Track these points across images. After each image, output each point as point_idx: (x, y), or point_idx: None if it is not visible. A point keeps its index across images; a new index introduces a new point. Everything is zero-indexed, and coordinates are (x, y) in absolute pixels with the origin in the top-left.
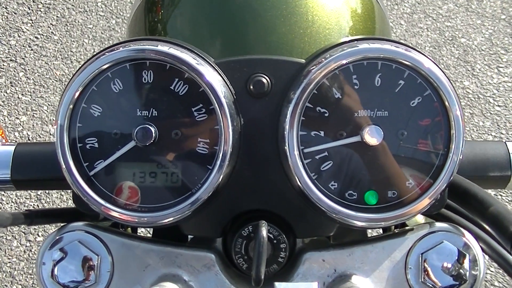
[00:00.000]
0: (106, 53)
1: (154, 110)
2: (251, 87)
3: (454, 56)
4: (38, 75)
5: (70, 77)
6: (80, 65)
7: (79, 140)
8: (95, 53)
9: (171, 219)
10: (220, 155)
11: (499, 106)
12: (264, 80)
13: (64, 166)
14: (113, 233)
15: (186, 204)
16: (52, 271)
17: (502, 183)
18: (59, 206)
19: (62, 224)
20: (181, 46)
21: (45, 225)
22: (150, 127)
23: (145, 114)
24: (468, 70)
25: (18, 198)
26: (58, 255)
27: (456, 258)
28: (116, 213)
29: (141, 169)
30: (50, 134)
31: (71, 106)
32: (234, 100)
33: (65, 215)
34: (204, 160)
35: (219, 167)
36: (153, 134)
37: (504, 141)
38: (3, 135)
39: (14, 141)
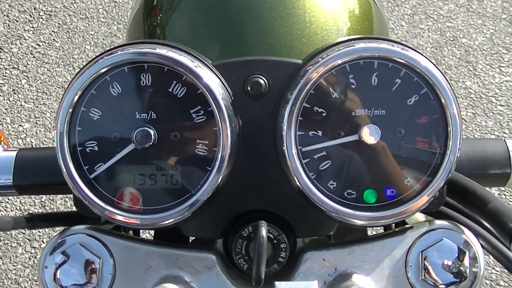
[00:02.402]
0: (104, 57)
1: (152, 112)
2: (249, 88)
3: (456, 57)
4: (41, 82)
5: (69, 81)
6: (79, 69)
7: (79, 143)
8: (93, 57)
9: (171, 220)
10: (219, 156)
11: (501, 105)
12: (262, 81)
13: (64, 170)
14: (115, 235)
15: (186, 205)
16: (55, 274)
17: (502, 180)
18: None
19: (63, 228)
20: (179, 49)
21: (50, 232)
22: (149, 129)
23: (144, 117)
24: (470, 70)
25: (22, 205)
26: (60, 259)
27: (456, 255)
28: (116, 215)
29: (141, 172)
30: (53, 140)
31: (70, 110)
32: (232, 102)
33: (67, 219)
34: (203, 161)
35: (218, 168)
36: (152, 137)
37: (503, 138)
38: (5, 141)
39: (16, 148)
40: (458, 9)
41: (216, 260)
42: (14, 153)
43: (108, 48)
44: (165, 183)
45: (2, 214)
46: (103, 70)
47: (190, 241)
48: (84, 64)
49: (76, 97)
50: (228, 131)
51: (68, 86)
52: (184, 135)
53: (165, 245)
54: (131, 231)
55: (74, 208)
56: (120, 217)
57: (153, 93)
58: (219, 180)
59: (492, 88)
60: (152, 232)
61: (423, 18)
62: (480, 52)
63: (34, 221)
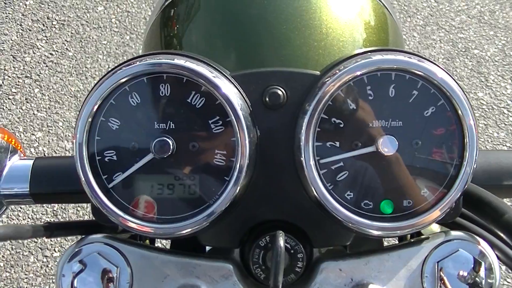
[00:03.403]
0: (123, 68)
1: (171, 123)
2: (267, 99)
3: (468, 68)
4: (53, 91)
5: (89, 91)
6: (98, 79)
7: (97, 153)
8: (112, 67)
9: (189, 230)
10: (237, 166)
11: None
12: (280, 92)
13: (83, 179)
14: (132, 244)
15: (203, 215)
16: (72, 283)
17: None
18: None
19: (81, 237)
20: (197, 59)
21: (62, 241)
22: (167, 139)
23: (162, 127)
24: (482, 81)
25: (34, 214)
26: (77, 267)
27: (472, 266)
28: (135, 224)
29: (159, 181)
30: (66, 150)
31: (89, 119)
32: (250, 112)
33: (84, 228)
34: (221, 172)
35: (236, 179)
36: (171, 147)
37: None
38: (21, 149)
39: (33, 156)
40: (470, 20)
41: (233, 269)
42: (31, 162)
43: (125, 59)
44: (183, 193)
45: (18, 223)
46: (122, 81)
47: (207, 250)
48: (101, 75)
49: (96, 107)
50: (247, 142)
51: (87, 96)
52: (202, 145)
53: (182, 254)
54: (147, 241)
55: (87, 218)
56: (139, 226)
57: (171, 104)
58: (237, 191)
59: (504, 99)
60: (167, 242)
61: (435, 29)
62: (492, 63)
63: (52, 229)
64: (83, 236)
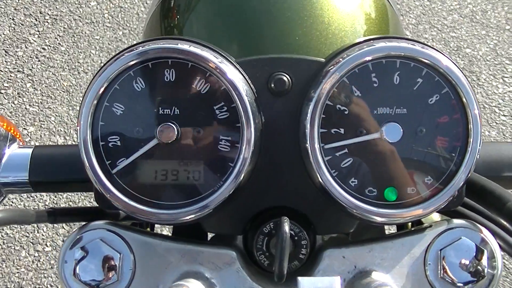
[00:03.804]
0: (126, 53)
1: (176, 108)
2: (272, 85)
3: (460, 67)
4: (46, 86)
5: (93, 76)
6: (103, 65)
7: (101, 138)
8: (116, 53)
9: (193, 216)
10: (242, 153)
11: (504, 115)
12: (285, 79)
13: (87, 164)
14: (135, 231)
15: (207, 201)
16: (74, 269)
17: None
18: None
19: (83, 223)
20: (202, 44)
21: (53, 236)
22: (172, 125)
23: (167, 112)
24: (474, 80)
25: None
26: (79, 254)
27: (474, 254)
28: (138, 210)
29: (163, 167)
30: (58, 144)
31: (95, 102)
32: (256, 98)
33: (87, 214)
34: (225, 158)
35: (240, 165)
36: (175, 132)
37: None
38: (20, 138)
39: (32, 145)
40: (462, 19)
41: (236, 256)
42: (30, 150)
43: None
44: (187, 179)
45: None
46: (129, 64)
47: (210, 237)
48: (94, 70)
49: (101, 89)
50: (252, 128)
51: (92, 81)
52: (207, 131)
53: (185, 241)
54: (148, 228)
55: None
56: (142, 212)
57: (176, 89)
58: (242, 177)
59: (495, 98)
60: (169, 229)
61: (427, 28)
62: (484, 63)
63: (56, 215)
64: (86, 222)
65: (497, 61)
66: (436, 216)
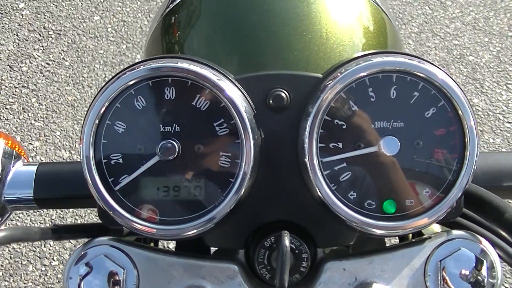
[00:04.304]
0: (128, 72)
1: (176, 125)
2: (271, 101)
3: (463, 74)
4: (50, 101)
5: (94, 96)
6: (103, 84)
7: (104, 156)
8: (117, 72)
9: (194, 231)
10: (242, 168)
11: (508, 122)
12: (283, 95)
13: (90, 182)
14: (138, 247)
15: (209, 217)
16: (79, 285)
17: None
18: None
19: (87, 240)
20: (202, 63)
21: (60, 250)
22: (173, 142)
23: (168, 130)
24: (477, 88)
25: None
26: (84, 270)
27: (474, 265)
28: (141, 226)
29: (165, 184)
30: (63, 159)
31: (96, 121)
32: (255, 115)
33: (91, 230)
34: (226, 173)
35: (241, 181)
36: (176, 149)
37: None
38: (25, 155)
39: (36, 162)
40: (464, 27)
41: (238, 270)
42: (34, 167)
43: (125, 67)
44: (188, 195)
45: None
46: (129, 84)
47: (212, 251)
48: (98, 84)
49: (102, 109)
50: (251, 144)
51: (93, 100)
52: (208, 148)
53: (187, 256)
54: (152, 243)
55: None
56: (145, 228)
57: (177, 107)
58: (242, 192)
59: (499, 105)
60: (171, 244)
61: (430, 36)
62: (487, 70)
63: (60, 232)
64: (90, 239)
65: (501, 68)
66: (436, 227)
